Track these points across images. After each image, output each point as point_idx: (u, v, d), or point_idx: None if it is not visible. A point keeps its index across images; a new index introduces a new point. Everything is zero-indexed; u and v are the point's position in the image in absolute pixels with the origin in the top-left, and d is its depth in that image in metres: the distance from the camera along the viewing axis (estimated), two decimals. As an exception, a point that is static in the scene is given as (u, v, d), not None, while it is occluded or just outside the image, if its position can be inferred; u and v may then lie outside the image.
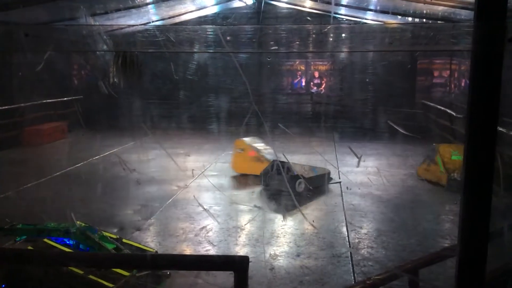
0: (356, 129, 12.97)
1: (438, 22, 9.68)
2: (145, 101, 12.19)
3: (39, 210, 6.82)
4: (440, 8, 9.09)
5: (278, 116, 11.88)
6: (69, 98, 14.33)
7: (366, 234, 6.45)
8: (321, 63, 17.94)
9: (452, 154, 8.64)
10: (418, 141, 12.03)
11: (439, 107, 13.05)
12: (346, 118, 13.99)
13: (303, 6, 13.92)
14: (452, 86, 15.78)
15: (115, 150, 10.99)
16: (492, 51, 1.69)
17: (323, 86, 17.98)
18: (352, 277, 5.09)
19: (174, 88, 14.41)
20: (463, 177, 1.77)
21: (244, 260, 2.54)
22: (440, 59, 16.33)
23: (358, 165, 9.58)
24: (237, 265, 2.50)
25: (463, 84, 14.64)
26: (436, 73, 16.72)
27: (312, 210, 7.41)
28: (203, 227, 6.51)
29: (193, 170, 8.26)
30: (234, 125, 10.63)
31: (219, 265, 2.71)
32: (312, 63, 17.87)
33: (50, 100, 13.56)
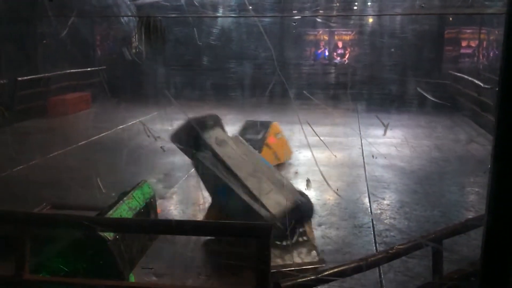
0: (381, 97, 12.75)
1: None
2: (168, 67, 12.08)
3: (67, 178, 7.01)
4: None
5: (303, 84, 11.64)
6: (93, 68, 14.44)
7: (388, 205, 6.42)
8: (344, 32, 17.57)
9: None
10: (443, 112, 11.81)
11: (466, 77, 12.72)
12: (369, 87, 13.75)
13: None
14: (481, 56, 15.33)
15: (139, 120, 11.09)
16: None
17: (346, 57, 17.65)
18: (374, 247, 5.09)
19: (197, 54, 14.22)
20: (493, 145, 1.73)
21: (267, 227, 2.56)
22: (468, 28, 15.83)
23: (384, 133, 9.44)
24: (259, 233, 2.51)
25: (491, 54, 14.21)
26: (464, 43, 16.23)
27: (334, 181, 7.39)
28: (225, 196, 6.56)
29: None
30: (258, 92, 10.42)
31: (242, 232, 2.73)
32: (335, 32, 17.50)
33: (74, 70, 13.69)
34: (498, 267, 1.80)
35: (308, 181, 6.21)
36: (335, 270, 2.68)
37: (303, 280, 2.54)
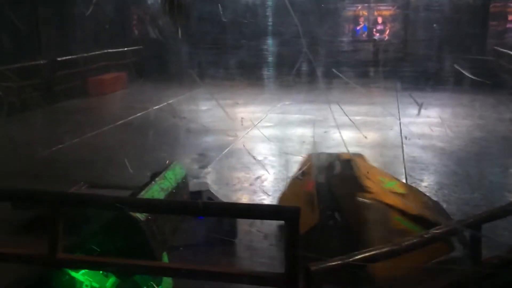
0: (422, 75, 12.29)
1: None
2: (193, 45, 11.86)
3: (104, 157, 7.15)
4: None
5: (340, 61, 11.27)
6: (129, 48, 14.61)
7: (426, 187, 6.22)
8: (384, 7, 17.03)
9: None
10: (487, 90, 11.32)
11: (512, 53, 12.13)
12: (409, 65, 13.28)
13: None
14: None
15: (171, 100, 11.18)
16: None
17: (386, 33, 17.12)
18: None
19: (222, 32, 13.78)
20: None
21: (295, 210, 2.50)
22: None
23: (418, 113, 9.12)
24: (288, 215, 2.45)
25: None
26: (511, 17, 15.46)
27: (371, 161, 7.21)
28: (258, 177, 6.53)
29: (242, 118, 8.26)
30: (285, 71, 10.15)
31: (270, 215, 2.68)
32: (375, 7, 16.97)
33: (111, 50, 13.89)
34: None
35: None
36: (366, 254, 2.60)
37: (333, 265, 2.48)
